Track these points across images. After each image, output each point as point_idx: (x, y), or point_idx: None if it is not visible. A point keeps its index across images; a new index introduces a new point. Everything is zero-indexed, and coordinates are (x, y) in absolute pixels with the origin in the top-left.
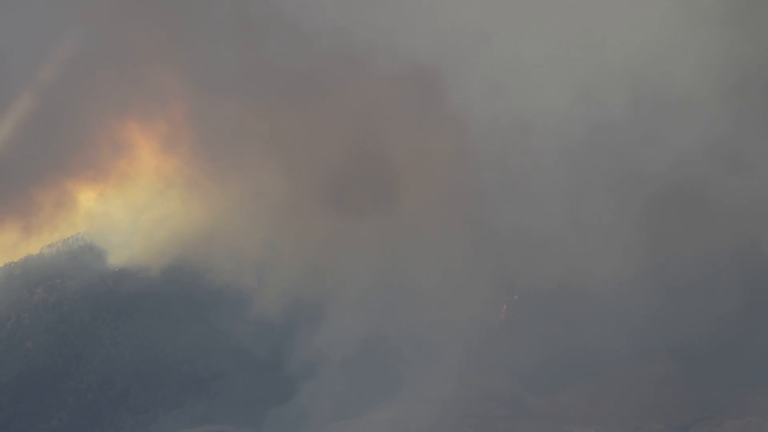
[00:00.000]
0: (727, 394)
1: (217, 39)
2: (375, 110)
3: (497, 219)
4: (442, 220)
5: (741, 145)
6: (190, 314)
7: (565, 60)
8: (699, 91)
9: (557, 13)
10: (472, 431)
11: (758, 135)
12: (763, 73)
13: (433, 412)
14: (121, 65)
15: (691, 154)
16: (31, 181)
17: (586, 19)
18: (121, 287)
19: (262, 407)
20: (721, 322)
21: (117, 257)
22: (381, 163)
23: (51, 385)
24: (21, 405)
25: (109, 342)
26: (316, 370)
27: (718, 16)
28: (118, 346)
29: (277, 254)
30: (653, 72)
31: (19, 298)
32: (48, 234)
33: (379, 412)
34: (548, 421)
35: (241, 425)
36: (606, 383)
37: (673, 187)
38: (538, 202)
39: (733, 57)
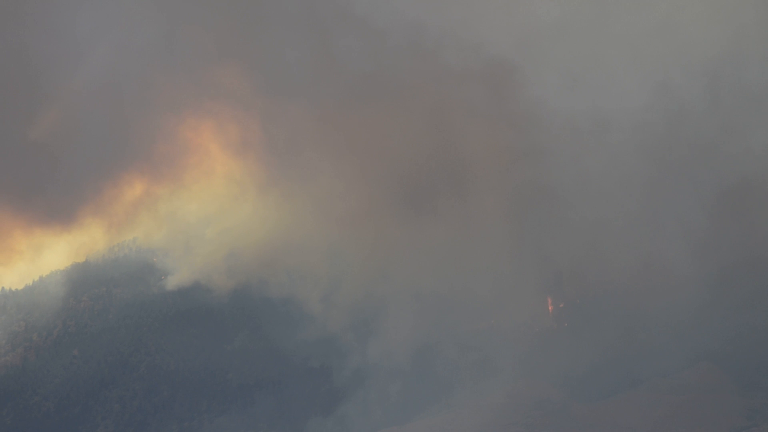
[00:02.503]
0: None
1: (287, 39)
2: (447, 106)
3: (572, 215)
4: (506, 221)
5: None
6: (236, 322)
7: (643, 53)
8: None
9: (634, 7)
10: None
11: None
12: None
13: (480, 420)
14: (192, 66)
15: None
16: (97, 181)
17: (664, 12)
18: (168, 295)
19: (307, 416)
20: None
21: (166, 264)
22: (453, 161)
23: (97, 392)
24: (67, 412)
25: (154, 350)
26: (366, 379)
27: None
28: (164, 354)
29: (340, 263)
30: (731, 65)
31: (65, 305)
32: (109, 236)
33: (426, 420)
34: (593, 429)
35: None
36: (653, 392)
37: (751, 180)
38: (613, 199)
39: None
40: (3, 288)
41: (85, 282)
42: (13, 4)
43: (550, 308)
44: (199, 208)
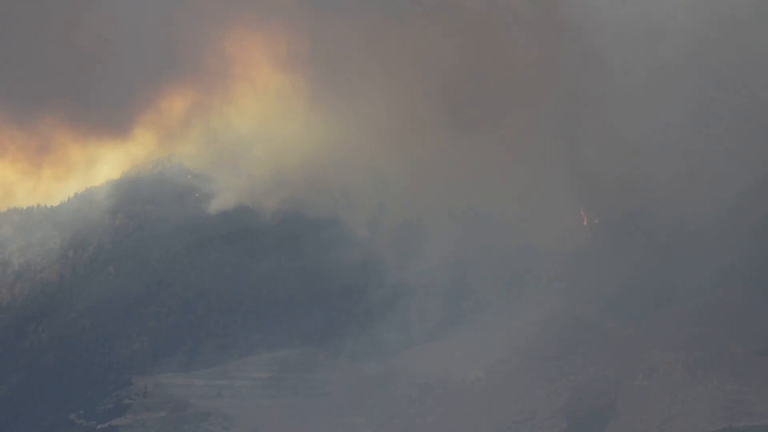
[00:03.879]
0: None
1: None
2: (494, 15)
3: (619, 126)
4: (547, 134)
5: None
6: (272, 240)
7: None
8: None
9: None
10: (550, 355)
11: None
12: None
13: (515, 337)
14: None
15: None
16: (147, 93)
17: None
18: (204, 214)
19: (342, 333)
20: None
21: (209, 184)
22: (497, 72)
23: (132, 309)
24: (103, 329)
25: (189, 267)
26: (402, 297)
27: None
28: (199, 271)
29: (382, 183)
30: None
31: (101, 222)
32: (160, 149)
33: (462, 337)
34: (629, 347)
35: (321, 349)
36: (687, 309)
37: None
38: (663, 109)
39: None
40: (38, 205)
41: (120, 199)
42: None
43: (585, 223)
44: (247, 124)
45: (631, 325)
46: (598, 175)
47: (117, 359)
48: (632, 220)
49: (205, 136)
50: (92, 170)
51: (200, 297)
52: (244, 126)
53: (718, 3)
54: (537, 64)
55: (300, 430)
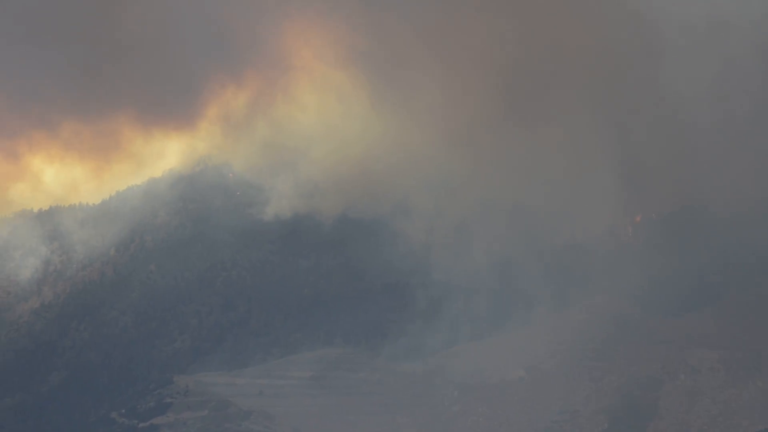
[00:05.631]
0: None
1: None
2: (554, 8)
3: (682, 119)
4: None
5: None
6: (314, 238)
7: None
8: None
9: None
10: (592, 354)
11: None
12: None
13: (558, 335)
14: None
15: None
16: (205, 87)
17: None
18: (245, 210)
19: (384, 332)
20: None
21: (251, 185)
22: (557, 66)
23: (174, 307)
24: (144, 327)
25: (231, 265)
26: (444, 295)
27: None
28: (240, 269)
29: (436, 184)
30: None
31: (142, 220)
32: (227, 141)
33: (505, 335)
34: (669, 345)
35: (362, 348)
36: (727, 307)
37: None
38: (725, 105)
39: None
40: (80, 203)
41: (162, 197)
42: None
43: (638, 220)
44: (307, 122)
45: (674, 325)
46: (648, 172)
47: (158, 357)
48: (679, 217)
49: (261, 134)
50: (135, 167)
51: (242, 295)
52: (304, 124)
53: None
54: (597, 58)
55: (341, 429)
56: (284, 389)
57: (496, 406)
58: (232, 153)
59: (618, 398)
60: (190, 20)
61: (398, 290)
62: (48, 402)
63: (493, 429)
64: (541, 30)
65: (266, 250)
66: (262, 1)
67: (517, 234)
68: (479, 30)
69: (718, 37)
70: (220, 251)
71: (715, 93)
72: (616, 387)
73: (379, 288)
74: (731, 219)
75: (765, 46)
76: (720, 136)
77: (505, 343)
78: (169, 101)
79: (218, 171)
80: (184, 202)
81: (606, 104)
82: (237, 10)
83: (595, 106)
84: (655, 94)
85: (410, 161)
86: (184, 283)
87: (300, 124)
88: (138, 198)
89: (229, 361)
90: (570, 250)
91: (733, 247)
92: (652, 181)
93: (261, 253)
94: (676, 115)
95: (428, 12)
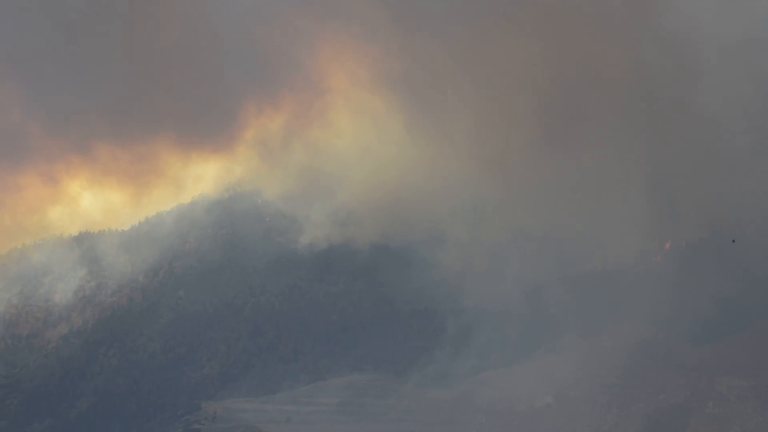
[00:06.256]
0: None
1: None
2: (590, 31)
3: (717, 142)
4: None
5: None
6: (343, 264)
7: None
8: None
9: None
10: (620, 382)
11: None
12: None
13: (585, 362)
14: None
15: None
16: (241, 110)
17: None
18: (276, 238)
19: (413, 358)
20: None
21: (279, 210)
22: (593, 90)
23: (202, 333)
24: (172, 353)
25: (259, 291)
26: (473, 321)
27: None
28: (268, 295)
29: (468, 211)
30: None
31: (171, 246)
32: (261, 167)
33: (532, 362)
34: (697, 372)
35: (391, 374)
36: (756, 335)
37: None
38: (763, 126)
39: None
40: (109, 228)
41: (192, 223)
42: None
43: (667, 246)
44: (344, 145)
45: (702, 352)
46: (678, 198)
47: (187, 384)
48: (709, 243)
49: (297, 158)
50: (173, 191)
51: (270, 321)
52: (340, 148)
53: None
54: (631, 80)
55: None
56: (312, 416)
57: None
58: (266, 178)
59: (646, 426)
60: (227, 42)
61: (427, 316)
62: (76, 428)
63: None
64: (575, 52)
65: (295, 276)
66: (299, 24)
67: (548, 260)
68: (514, 53)
69: (753, 56)
70: (248, 277)
71: (749, 116)
72: (645, 414)
73: (407, 314)
74: (761, 246)
75: None
76: (752, 161)
77: (533, 369)
78: (207, 124)
79: (249, 197)
80: (214, 228)
81: (637, 129)
82: (273, 33)
83: (626, 130)
84: (688, 116)
85: (444, 187)
86: (212, 309)
87: (336, 147)
88: (168, 224)
89: (257, 387)
90: (599, 277)
91: (762, 274)
92: (682, 207)
93: (290, 279)
94: (708, 138)
95: (463, 36)
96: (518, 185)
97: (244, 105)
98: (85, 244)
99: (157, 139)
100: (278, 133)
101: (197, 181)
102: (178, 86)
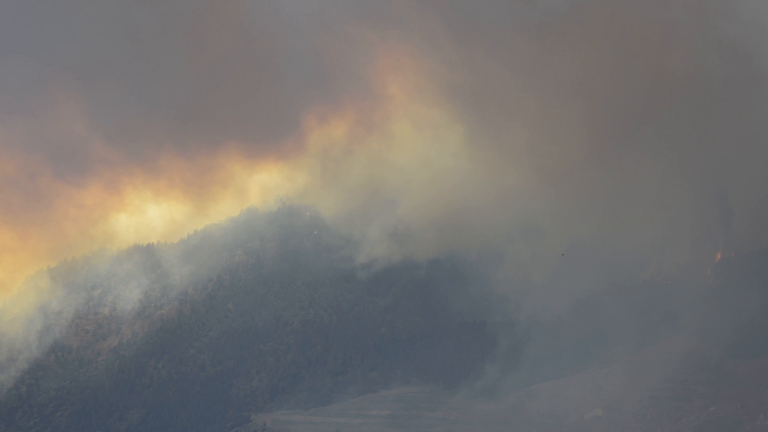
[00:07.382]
0: None
1: None
2: (650, 41)
3: None
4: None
5: None
6: (392, 276)
7: None
8: None
9: None
10: (671, 394)
11: None
12: None
13: (634, 375)
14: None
15: None
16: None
17: None
18: (321, 249)
19: (461, 371)
20: None
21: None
22: (651, 101)
23: (251, 346)
24: (221, 365)
25: (308, 304)
26: (523, 334)
27: None
28: (317, 308)
29: (531, 225)
30: None
31: (219, 259)
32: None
33: (581, 375)
34: (749, 386)
35: (440, 386)
36: None
37: None
38: None
39: None
40: (158, 242)
41: (239, 236)
42: None
43: (717, 258)
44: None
45: (753, 364)
46: (730, 209)
47: (236, 396)
48: (759, 256)
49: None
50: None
51: (319, 333)
52: (401, 159)
53: None
54: (690, 91)
55: None
56: (362, 428)
57: None
58: (326, 191)
59: None
60: (288, 52)
61: (477, 328)
62: None
63: None
64: (634, 63)
65: (343, 288)
66: (359, 34)
67: (600, 272)
68: (573, 65)
69: None
70: (297, 290)
71: None
72: (695, 427)
73: (457, 326)
74: None
75: None
76: None
77: (583, 381)
78: (270, 133)
79: (305, 211)
80: (262, 242)
81: (693, 140)
82: (334, 42)
83: (682, 141)
84: (745, 127)
85: (499, 199)
86: (261, 322)
87: (396, 157)
88: (217, 237)
89: (306, 399)
90: (650, 289)
91: None
92: (735, 219)
93: (339, 292)
94: (765, 148)
95: (521, 47)
96: (572, 198)
97: (306, 115)
98: (134, 258)
99: (218, 150)
100: (340, 140)
101: (257, 191)
102: (241, 96)
